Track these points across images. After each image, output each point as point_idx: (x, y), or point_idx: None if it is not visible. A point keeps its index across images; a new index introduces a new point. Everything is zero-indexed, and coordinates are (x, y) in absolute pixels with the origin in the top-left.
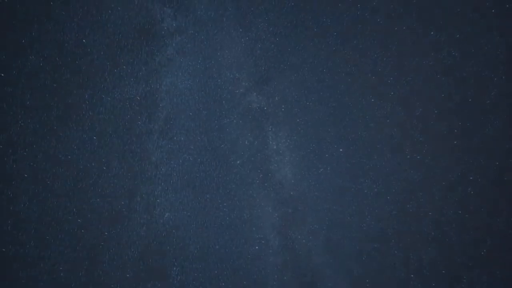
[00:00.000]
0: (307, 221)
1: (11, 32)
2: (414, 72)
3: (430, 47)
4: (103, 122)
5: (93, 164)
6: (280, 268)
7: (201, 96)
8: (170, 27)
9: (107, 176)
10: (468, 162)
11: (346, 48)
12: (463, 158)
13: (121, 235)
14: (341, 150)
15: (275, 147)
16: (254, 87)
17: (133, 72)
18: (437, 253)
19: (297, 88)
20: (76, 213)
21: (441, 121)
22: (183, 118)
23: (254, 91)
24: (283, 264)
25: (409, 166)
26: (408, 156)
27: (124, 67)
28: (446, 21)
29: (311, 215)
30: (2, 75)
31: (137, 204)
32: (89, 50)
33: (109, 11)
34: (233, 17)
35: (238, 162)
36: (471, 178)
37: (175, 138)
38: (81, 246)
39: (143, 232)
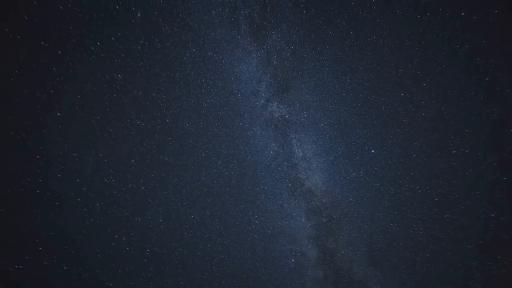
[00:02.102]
0: (344, 230)
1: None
2: (447, 60)
3: (460, 34)
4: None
5: None
6: (320, 282)
7: (223, 112)
8: (192, 54)
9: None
10: None
11: (365, 46)
12: None
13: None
14: (373, 151)
15: (301, 154)
16: (274, 97)
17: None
18: (505, 261)
19: (317, 93)
20: None
21: (490, 109)
22: (209, 135)
23: (275, 101)
24: (324, 277)
25: (458, 162)
26: (454, 151)
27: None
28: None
29: (348, 223)
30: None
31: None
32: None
33: None
34: (248, 34)
35: (265, 173)
36: None
37: (203, 154)
38: None
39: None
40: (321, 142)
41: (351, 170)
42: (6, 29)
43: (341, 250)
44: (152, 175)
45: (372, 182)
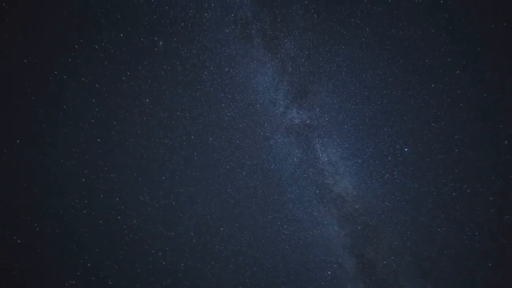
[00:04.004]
0: (384, 238)
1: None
2: (483, 42)
3: (497, 11)
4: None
5: None
6: None
7: (244, 124)
8: (210, 72)
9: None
10: None
11: (384, 40)
12: None
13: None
14: (406, 149)
15: (326, 159)
16: (293, 104)
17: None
18: None
19: (337, 94)
20: None
21: None
22: (232, 147)
23: (294, 107)
24: None
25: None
26: (506, 142)
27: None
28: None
29: (386, 230)
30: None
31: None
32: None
33: None
34: (261, 46)
35: (290, 181)
36: None
37: (227, 166)
38: None
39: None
40: (346, 145)
41: (384, 171)
42: (55, 72)
43: (382, 260)
44: (182, 190)
45: (410, 183)
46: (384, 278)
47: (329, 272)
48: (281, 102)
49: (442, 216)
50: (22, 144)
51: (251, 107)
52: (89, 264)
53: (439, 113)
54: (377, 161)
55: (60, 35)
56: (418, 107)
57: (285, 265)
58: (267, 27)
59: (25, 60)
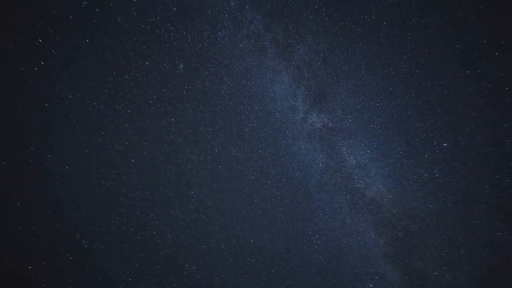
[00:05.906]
0: (431, 245)
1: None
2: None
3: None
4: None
5: None
6: None
7: (265, 133)
8: (228, 87)
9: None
10: None
11: (404, 31)
12: None
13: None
14: (445, 145)
15: (354, 162)
16: (313, 108)
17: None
18: None
19: (359, 94)
20: None
21: None
22: (254, 157)
23: (314, 111)
24: None
25: None
26: None
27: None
28: None
29: (433, 236)
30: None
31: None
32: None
33: None
34: (275, 55)
35: (318, 187)
36: None
37: (252, 177)
38: None
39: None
40: (375, 145)
41: (422, 171)
42: (94, 103)
43: (432, 271)
44: (210, 203)
45: (455, 182)
46: None
47: (370, 285)
48: (300, 108)
49: (501, 217)
50: (71, 168)
51: (270, 116)
52: (130, 279)
53: (479, 101)
54: (412, 160)
55: (96, 70)
56: (454, 97)
57: (321, 278)
58: (279, 36)
59: (70, 96)
